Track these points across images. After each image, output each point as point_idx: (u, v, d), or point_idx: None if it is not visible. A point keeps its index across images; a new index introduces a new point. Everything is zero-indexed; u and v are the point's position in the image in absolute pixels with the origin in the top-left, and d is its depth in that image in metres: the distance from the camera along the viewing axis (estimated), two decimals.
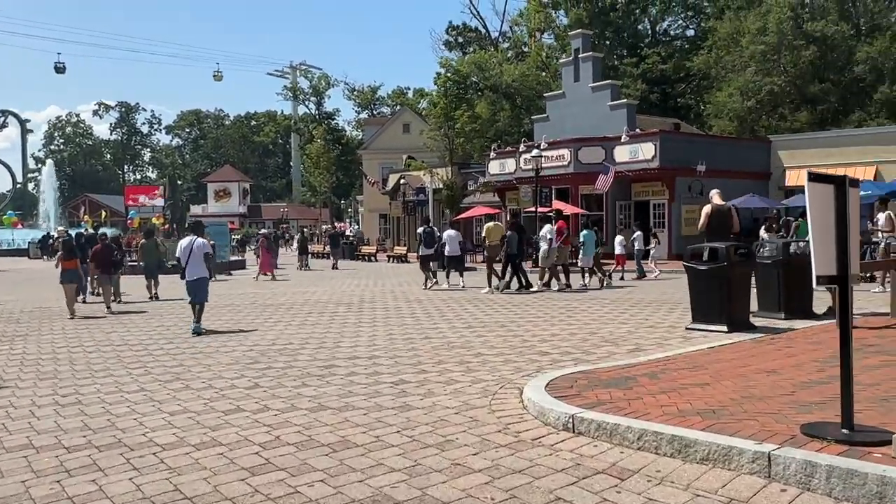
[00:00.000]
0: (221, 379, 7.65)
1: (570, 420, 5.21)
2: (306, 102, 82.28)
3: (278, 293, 18.62)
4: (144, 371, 8.25)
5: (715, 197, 11.80)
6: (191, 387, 7.29)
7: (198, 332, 11.21)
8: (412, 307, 14.35)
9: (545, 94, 35.54)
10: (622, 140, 28.22)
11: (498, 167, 34.10)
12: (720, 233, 11.52)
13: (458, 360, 8.25)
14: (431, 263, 19.10)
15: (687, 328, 9.91)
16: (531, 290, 16.90)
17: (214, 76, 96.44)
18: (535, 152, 26.27)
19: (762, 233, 19.07)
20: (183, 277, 11.78)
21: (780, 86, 33.31)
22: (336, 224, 69.78)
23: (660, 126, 31.88)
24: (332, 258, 32.40)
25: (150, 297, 17.28)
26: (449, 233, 19.27)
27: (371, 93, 73.88)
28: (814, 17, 33.92)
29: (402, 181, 40.23)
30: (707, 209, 11.54)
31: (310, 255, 34.46)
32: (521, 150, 31.15)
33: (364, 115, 75.93)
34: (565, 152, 29.33)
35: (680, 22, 57.70)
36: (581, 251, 18.68)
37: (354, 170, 76.88)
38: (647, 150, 27.83)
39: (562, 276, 17.54)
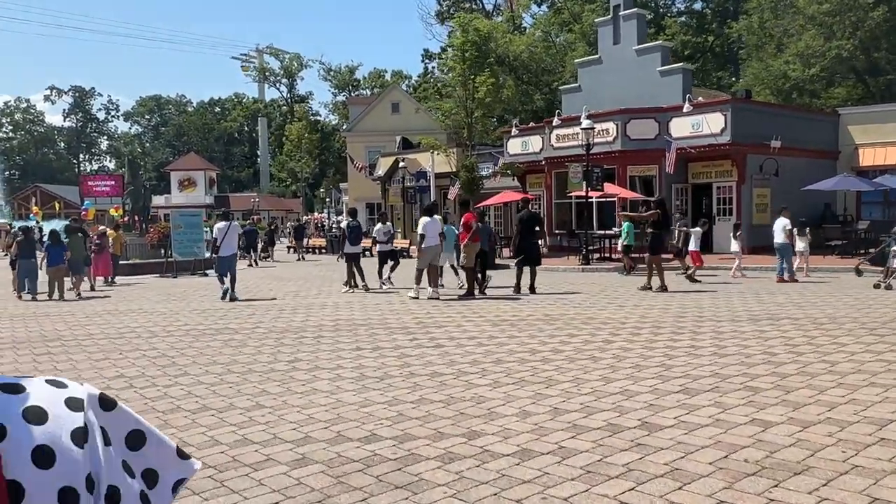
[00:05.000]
0: None
1: None
2: (277, 85, 76.57)
3: (286, 307, 13.44)
4: None
5: None
6: None
7: (233, 298, 14.20)
8: (512, 335, 9.35)
9: (577, 60, 30.61)
10: (684, 110, 23.45)
11: (520, 146, 29.15)
12: None
13: None
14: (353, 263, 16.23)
15: None
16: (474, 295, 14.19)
17: (243, 67, 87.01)
18: (586, 123, 21.37)
19: None
20: (216, 253, 14.77)
21: (848, 50, 28.90)
22: (313, 215, 64.32)
23: (712, 97, 27.22)
24: (296, 251, 32.93)
25: (77, 296, 16.24)
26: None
27: (349, 73, 68.24)
28: None
29: (400, 164, 35.03)
30: None
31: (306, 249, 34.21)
32: (554, 123, 26.21)
33: (342, 98, 70.26)
34: (610, 126, 24.48)
35: None
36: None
37: (328, 157, 71.45)
38: (714, 123, 23.10)
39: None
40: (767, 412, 5.38)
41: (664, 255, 15.27)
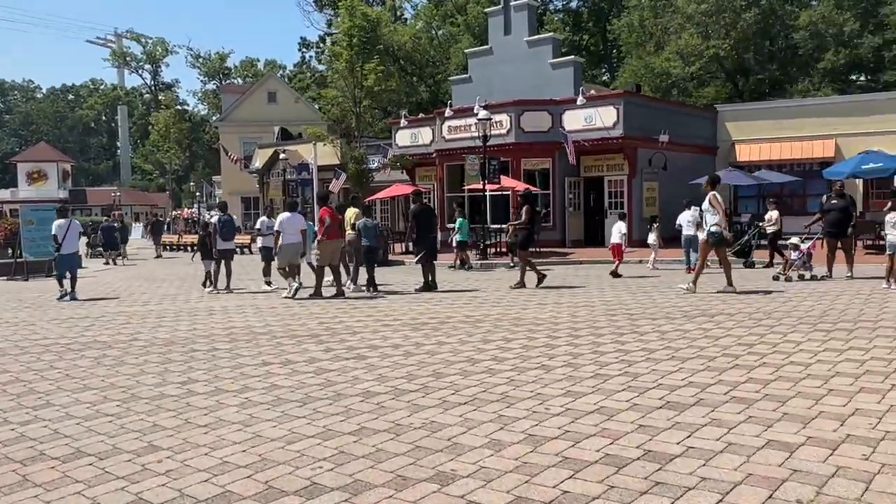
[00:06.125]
0: None
1: None
2: (139, 71, 71.61)
3: (165, 312, 11.71)
4: None
5: None
6: None
7: (73, 297, 13.73)
8: (441, 341, 8.31)
9: (467, 50, 29.91)
10: (578, 102, 23.28)
11: (409, 138, 28.16)
12: None
13: None
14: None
15: None
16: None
17: (112, 55, 77.98)
18: (482, 114, 20.66)
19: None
20: (57, 252, 14.25)
21: (725, 50, 29.94)
22: (182, 210, 60.36)
23: (599, 91, 27.39)
24: (154, 247, 31.60)
25: None
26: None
27: (219, 60, 64.57)
28: None
29: (281, 156, 33.14)
30: None
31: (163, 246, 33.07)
32: (446, 114, 25.40)
33: (212, 86, 66.49)
34: (504, 118, 23.95)
35: None
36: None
37: (198, 149, 67.56)
38: (606, 116, 23.08)
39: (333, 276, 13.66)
40: (777, 430, 4.66)
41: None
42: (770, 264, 16.31)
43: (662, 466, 4.10)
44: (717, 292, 11.76)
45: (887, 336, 7.63)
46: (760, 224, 17.28)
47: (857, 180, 22.90)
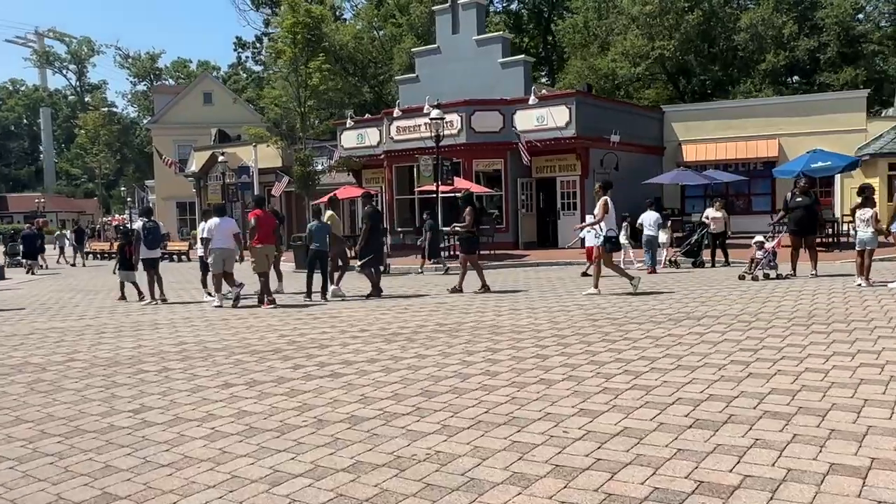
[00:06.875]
0: None
1: None
2: (63, 71, 68.41)
3: (105, 327, 10.66)
4: None
5: None
6: None
7: None
8: (420, 353, 7.60)
9: (414, 50, 29.22)
10: (530, 102, 22.89)
11: (355, 139, 27.31)
12: None
13: None
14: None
15: None
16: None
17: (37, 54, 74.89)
18: (435, 113, 20.03)
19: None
20: None
21: (670, 51, 30.09)
22: (113, 217, 57.78)
23: (551, 91, 27.14)
24: (76, 255, 30.03)
25: None
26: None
27: (150, 60, 62.15)
28: None
29: (219, 159, 31.79)
30: None
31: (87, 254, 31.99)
32: (395, 114, 24.66)
33: (142, 87, 63.95)
34: (454, 118, 23.38)
35: None
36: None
37: (128, 153, 64.95)
38: (559, 116, 22.76)
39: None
40: (833, 451, 4.15)
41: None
42: (718, 263, 16.46)
43: (725, 502, 3.54)
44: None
45: (890, 337, 7.33)
46: (706, 220, 17.24)
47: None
